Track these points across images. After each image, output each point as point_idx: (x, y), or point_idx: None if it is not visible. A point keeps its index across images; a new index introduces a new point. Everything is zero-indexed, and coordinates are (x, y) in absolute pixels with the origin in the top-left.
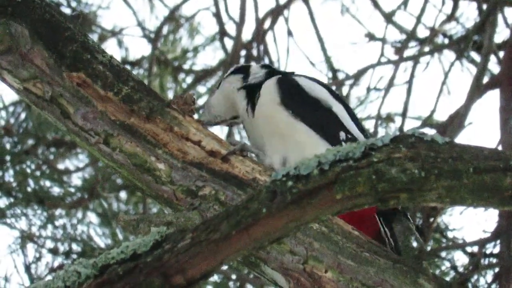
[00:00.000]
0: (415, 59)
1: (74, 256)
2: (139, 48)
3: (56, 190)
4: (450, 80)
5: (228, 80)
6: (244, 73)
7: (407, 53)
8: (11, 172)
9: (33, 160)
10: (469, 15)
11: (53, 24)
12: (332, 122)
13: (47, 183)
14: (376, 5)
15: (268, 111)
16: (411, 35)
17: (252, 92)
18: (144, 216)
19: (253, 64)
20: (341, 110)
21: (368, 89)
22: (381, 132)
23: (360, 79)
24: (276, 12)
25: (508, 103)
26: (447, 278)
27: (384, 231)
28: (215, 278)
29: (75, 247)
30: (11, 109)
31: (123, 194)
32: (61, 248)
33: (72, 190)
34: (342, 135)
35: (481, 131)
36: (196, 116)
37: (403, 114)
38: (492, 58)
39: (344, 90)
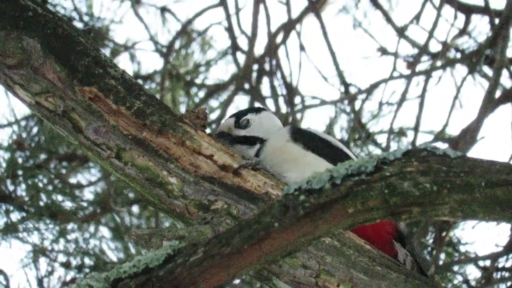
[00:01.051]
0: (427, 73)
1: (87, 270)
2: (151, 62)
3: (68, 204)
4: (462, 94)
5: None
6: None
7: (420, 67)
8: (23, 186)
9: (45, 174)
10: (481, 29)
11: (65, 38)
12: (342, 155)
13: (59, 197)
14: (389, 20)
15: (278, 146)
16: (423, 49)
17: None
18: (156, 230)
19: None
20: (350, 153)
21: (381, 104)
22: (394, 146)
23: (373, 94)
24: (288, 27)
25: None
26: None
27: (405, 253)
28: None
29: (87, 261)
30: (23, 123)
31: (135, 208)
32: (74, 262)
33: (84, 204)
34: None
35: (493, 145)
36: (208, 130)
37: (415, 128)
38: (504, 72)
39: (357, 105)
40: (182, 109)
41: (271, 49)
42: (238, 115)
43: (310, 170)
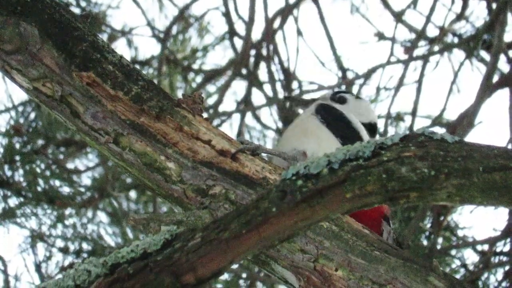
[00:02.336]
0: (425, 58)
1: (84, 255)
2: (148, 48)
3: (66, 190)
4: (459, 79)
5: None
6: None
7: (417, 52)
8: (21, 171)
9: (43, 159)
10: (479, 14)
11: (62, 23)
12: (352, 135)
13: (57, 183)
14: (386, 5)
15: (301, 117)
16: (421, 34)
17: None
18: (154, 215)
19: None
20: (367, 137)
21: (378, 89)
22: (391, 131)
23: (370, 78)
24: (285, 12)
25: None
26: (458, 276)
27: (389, 231)
28: (225, 276)
29: (85, 246)
30: (20, 108)
31: (133, 193)
32: (71, 247)
33: (82, 189)
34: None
35: (491, 130)
36: (205, 115)
37: (413, 113)
38: (502, 57)
39: (354, 90)
40: (180, 94)
41: (269, 34)
42: (337, 91)
43: (317, 144)
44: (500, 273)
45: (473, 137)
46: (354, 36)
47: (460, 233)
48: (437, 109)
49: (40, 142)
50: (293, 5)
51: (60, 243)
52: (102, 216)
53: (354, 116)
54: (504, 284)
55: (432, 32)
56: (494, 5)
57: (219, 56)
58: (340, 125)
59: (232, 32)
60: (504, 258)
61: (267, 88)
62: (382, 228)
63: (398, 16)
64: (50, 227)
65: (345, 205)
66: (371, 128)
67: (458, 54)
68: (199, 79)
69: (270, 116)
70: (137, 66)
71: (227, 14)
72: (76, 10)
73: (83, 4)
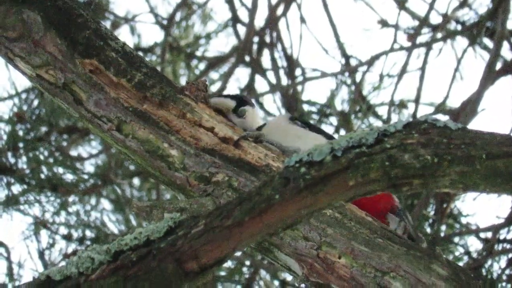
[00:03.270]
0: (428, 45)
1: (88, 242)
2: (151, 35)
3: (69, 177)
4: (463, 66)
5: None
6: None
7: (420, 39)
8: (24, 159)
9: (46, 147)
10: (482, 1)
11: (65, 11)
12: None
13: (60, 170)
14: None
15: (280, 125)
16: (424, 21)
17: None
18: (157, 202)
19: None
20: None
21: (381, 76)
22: (394, 118)
23: (373, 66)
24: None
25: None
26: (461, 264)
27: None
28: (228, 264)
29: (88, 233)
30: (23, 96)
31: (136, 181)
32: (75, 234)
33: (85, 176)
34: None
35: (494, 117)
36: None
37: (416, 101)
38: (505, 44)
39: (358, 77)
40: (183, 81)
41: (272, 21)
42: (238, 102)
43: (312, 142)
44: (503, 260)
45: (476, 124)
46: (358, 23)
47: (463, 220)
48: (440, 96)
49: (43, 129)
50: None
51: (63, 230)
52: (105, 203)
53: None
54: (507, 271)
55: (435, 19)
56: None
57: (222, 43)
58: (317, 128)
59: (235, 19)
60: (508, 246)
61: (270, 75)
62: (388, 220)
63: (401, 3)
64: (54, 214)
65: (348, 192)
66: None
67: (461, 41)
68: (202, 66)
69: (273, 103)
70: (140, 53)
71: (230, 1)
72: None
73: None
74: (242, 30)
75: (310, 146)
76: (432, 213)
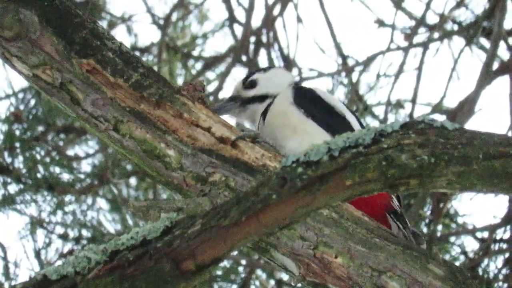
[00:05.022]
0: (425, 45)
1: (84, 242)
2: (148, 35)
3: (65, 176)
4: (459, 66)
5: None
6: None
7: (417, 39)
8: (21, 158)
9: (42, 146)
10: (479, 1)
11: (62, 10)
12: (342, 124)
13: (57, 170)
14: None
15: (280, 108)
16: (421, 21)
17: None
18: (154, 202)
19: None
20: (354, 121)
21: (378, 75)
22: (391, 118)
23: (370, 65)
24: None
25: None
26: (457, 263)
27: (398, 226)
28: (225, 263)
29: (85, 233)
30: (20, 95)
31: (133, 180)
32: (71, 234)
33: (82, 176)
34: None
35: (491, 117)
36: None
37: (413, 101)
38: (502, 44)
39: (354, 77)
40: (180, 81)
41: (268, 21)
42: (245, 77)
43: (307, 141)
44: (500, 260)
45: (473, 124)
46: (354, 23)
47: (460, 220)
48: (437, 96)
49: (40, 128)
50: None
51: (59, 229)
52: (102, 203)
53: (329, 95)
54: (504, 271)
55: (432, 19)
56: None
57: (219, 43)
58: (325, 114)
59: (232, 19)
60: (504, 245)
61: None
62: (389, 223)
63: (398, 3)
64: (50, 214)
65: (345, 192)
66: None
67: (458, 41)
68: (199, 66)
69: None
70: (137, 53)
71: (227, 1)
72: None
73: None
74: (239, 30)
75: (304, 144)
76: (428, 212)
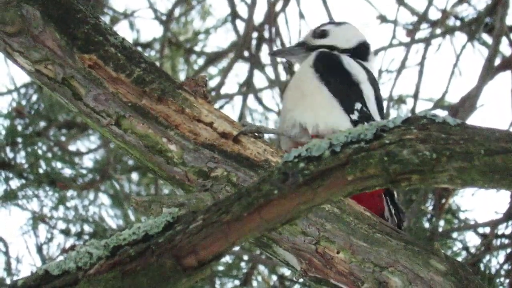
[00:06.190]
0: (427, 41)
1: (86, 237)
2: (150, 30)
3: (67, 172)
4: (461, 62)
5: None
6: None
7: (419, 35)
8: (22, 153)
9: (44, 141)
10: None
11: (64, 5)
12: (353, 92)
13: (59, 165)
14: None
15: (300, 71)
16: (423, 17)
17: None
18: (156, 197)
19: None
20: (368, 91)
21: (380, 71)
22: (393, 113)
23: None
24: None
25: None
26: (459, 259)
27: (389, 209)
28: (227, 259)
29: (86, 228)
30: (22, 90)
31: (135, 176)
32: (73, 229)
33: (84, 171)
34: (358, 105)
35: (493, 112)
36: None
37: (415, 96)
38: (504, 40)
39: None
40: (182, 76)
41: (271, 17)
42: (317, 26)
43: (317, 114)
44: (501, 255)
45: (475, 120)
46: (356, 18)
47: (461, 215)
48: (439, 92)
49: (42, 124)
50: None
51: (61, 225)
52: (103, 198)
53: (354, 64)
54: (505, 266)
55: (434, 15)
56: None
57: (221, 39)
58: (340, 81)
59: (234, 15)
60: (506, 241)
61: (269, 70)
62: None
63: None
64: (52, 209)
65: (346, 188)
66: (364, 48)
67: (460, 37)
68: (201, 61)
69: (272, 98)
70: (139, 49)
71: None
72: None
73: None
74: (241, 25)
75: (316, 122)
76: (430, 208)
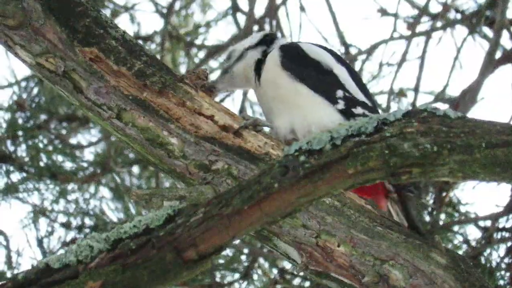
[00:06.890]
0: (428, 34)
1: (87, 230)
2: (151, 23)
3: (68, 165)
4: (462, 55)
5: (254, 50)
6: (266, 46)
7: (420, 28)
8: (23, 147)
9: (45, 135)
10: None
11: None
12: (330, 81)
13: (60, 158)
14: None
15: (271, 75)
16: (424, 10)
17: (260, 63)
18: (156, 190)
19: (278, 36)
20: (342, 72)
21: (381, 64)
22: (394, 107)
23: (373, 54)
24: None
25: None
26: (460, 252)
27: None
28: (227, 252)
29: (87, 221)
30: (23, 84)
31: (135, 169)
32: (74, 222)
33: (85, 164)
34: (340, 93)
35: (494, 106)
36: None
37: (416, 89)
38: (505, 33)
39: (357, 65)
40: (183, 69)
41: (272, 10)
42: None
43: (301, 112)
44: (502, 249)
45: (475, 113)
46: (357, 11)
47: (462, 209)
48: (440, 85)
49: (43, 117)
50: None
51: (62, 218)
52: (104, 191)
53: (318, 50)
54: (506, 260)
55: (435, 8)
56: None
57: (222, 32)
58: (312, 73)
59: (235, 8)
60: (507, 234)
61: None
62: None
63: None
64: (53, 202)
65: (347, 181)
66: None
67: (461, 30)
68: (201, 54)
69: None
70: (140, 42)
71: None
72: None
73: None
74: (242, 18)
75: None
76: (431, 201)
